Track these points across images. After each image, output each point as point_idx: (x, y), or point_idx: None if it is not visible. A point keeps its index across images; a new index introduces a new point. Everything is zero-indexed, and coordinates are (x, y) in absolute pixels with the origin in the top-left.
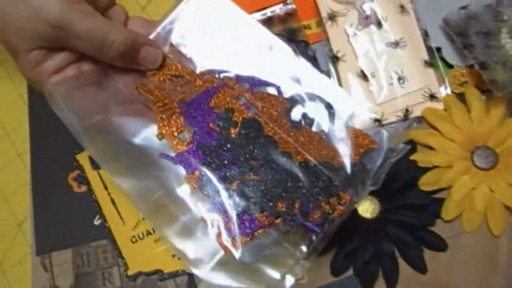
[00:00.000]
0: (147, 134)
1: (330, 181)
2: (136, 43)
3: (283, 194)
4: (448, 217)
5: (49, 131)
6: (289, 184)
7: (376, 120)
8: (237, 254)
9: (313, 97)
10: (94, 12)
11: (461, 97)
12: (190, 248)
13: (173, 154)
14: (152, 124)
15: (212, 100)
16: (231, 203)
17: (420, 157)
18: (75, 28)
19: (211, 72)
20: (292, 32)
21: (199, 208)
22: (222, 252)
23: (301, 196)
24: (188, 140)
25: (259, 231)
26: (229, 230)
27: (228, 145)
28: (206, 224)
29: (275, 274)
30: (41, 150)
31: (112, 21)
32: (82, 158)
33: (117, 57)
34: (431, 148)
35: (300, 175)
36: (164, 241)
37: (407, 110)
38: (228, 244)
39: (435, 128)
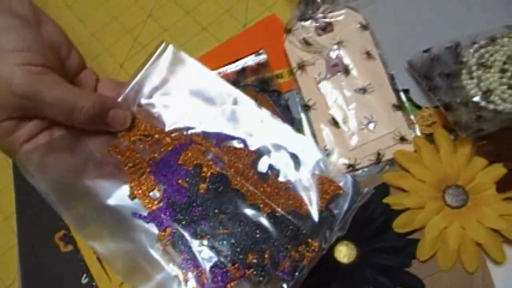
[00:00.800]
0: (120, 195)
1: (298, 230)
2: (104, 107)
3: (253, 246)
4: (423, 257)
5: (35, 192)
6: (258, 235)
7: (350, 165)
8: None
9: (278, 148)
10: (61, 81)
11: (430, 137)
12: None
13: (145, 213)
14: (125, 185)
15: (181, 158)
16: (203, 257)
17: (393, 200)
18: (44, 98)
19: (179, 129)
20: (265, 82)
21: (172, 265)
22: None
23: (270, 247)
24: (160, 198)
25: (232, 284)
26: (202, 284)
27: (198, 201)
28: (180, 280)
29: None
30: (27, 211)
31: (83, 85)
32: None
33: (86, 121)
34: (404, 190)
35: (269, 226)
36: None
37: (379, 154)
38: None
39: (407, 170)
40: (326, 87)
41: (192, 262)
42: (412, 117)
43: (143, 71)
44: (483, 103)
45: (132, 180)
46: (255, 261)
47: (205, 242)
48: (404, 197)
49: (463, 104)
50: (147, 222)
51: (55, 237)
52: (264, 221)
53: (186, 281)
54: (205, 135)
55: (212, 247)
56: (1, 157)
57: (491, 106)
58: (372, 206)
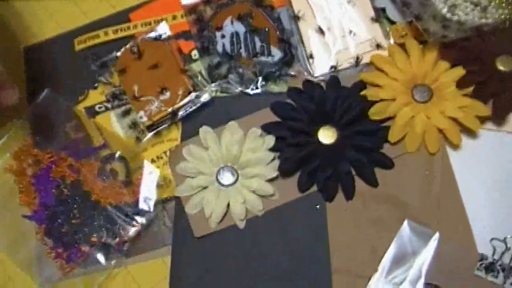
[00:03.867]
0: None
1: (127, 216)
2: None
3: (92, 230)
4: (394, 139)
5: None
6: (96, 222)
7: (332, 66)
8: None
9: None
10: None
11: (402, 46)
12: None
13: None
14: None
15: (52, 172)
16: (64, 242)
17: (369, 92)
18: None
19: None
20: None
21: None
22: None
23: (106, 229)
24: (38, 203)
25: (82, 259)
26: (65, 259)
27: (61, 202)
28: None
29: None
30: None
31: None
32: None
33: None
34: (378, 86)
35: (110, 214)
36: None
37: (358, 58)
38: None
39: (382, 71)
40: (314, 0)
41: (56, 245)
42: (387, 29)
43: None
44: (448, 15)
45: (21, 193)
46: (94, 240)
47: (64, 230)
48: (378, 90)
49: (431, 16)
50: (31, 220)
51: (66, 127)
52: (103, 211)
53: (53, 258)
54: (69, 153)
55: (72, 233)
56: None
57: (455, 18)
58: (351, 98)
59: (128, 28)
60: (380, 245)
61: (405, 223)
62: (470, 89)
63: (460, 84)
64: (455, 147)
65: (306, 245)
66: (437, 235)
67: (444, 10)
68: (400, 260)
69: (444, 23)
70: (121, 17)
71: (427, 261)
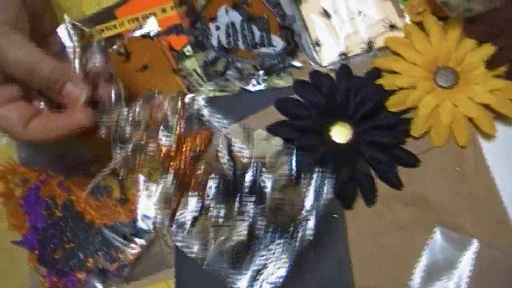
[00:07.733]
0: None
1: (124, 237)
2: (62, 76)
3: (89, 253)
4: (417, 133)
5: None
6: (91, 245)
7: (342, 53)
8: None
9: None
10: (25, 42)
11: (419, 25)
12: None
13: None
14: None
15: (40, 192)
16: (58, 268)
17: (386, 81)
18: (5, 56)
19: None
20: None
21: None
22: None
23: (102, 252)
24: (28, 226)
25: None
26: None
27: (53, 225)
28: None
29: None
30: None
31: (53, 48)
32: None
33: (43, 86)
34: (395, 73)
35: (98, 236)
36: None
37: (370, 42)
38: None
39: (398, 55)
40: None
41: (50, 273)
42: (401, 6)
43: None
44: None
45: (9, 214)
46: (90, 265)
47: (57, 256)
48: (396, 78)
49: None
50: (21, 246)
51: None
52: (99, 233)
53: (47, 287)
54: (57, 169)
55: (66, 259)
56: None
57: None
58: (365, 88)
59: (114, 26)
60: (409, 255)
61: (437, 231)
62: (502, 68)
63: (490, 63)
64: (489, 137)
65: (324, 262)
66: (475, 242)
67: None
68: (433, 274)
69: None
70: (107, 15)
71: (466, 273)
